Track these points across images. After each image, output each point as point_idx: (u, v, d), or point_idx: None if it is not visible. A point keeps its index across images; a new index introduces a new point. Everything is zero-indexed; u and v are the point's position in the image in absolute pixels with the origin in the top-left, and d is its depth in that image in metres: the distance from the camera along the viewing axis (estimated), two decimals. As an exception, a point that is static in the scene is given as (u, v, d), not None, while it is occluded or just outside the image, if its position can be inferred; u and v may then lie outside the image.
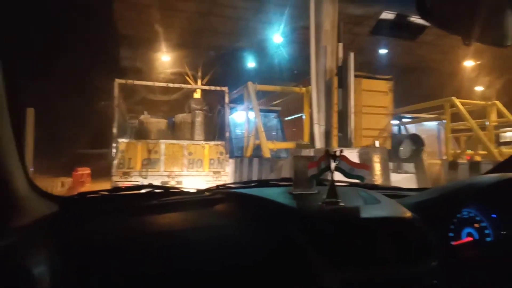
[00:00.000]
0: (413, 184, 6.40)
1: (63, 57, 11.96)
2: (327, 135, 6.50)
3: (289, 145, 10.21)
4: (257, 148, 8.90)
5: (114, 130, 6.43)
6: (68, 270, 0.83)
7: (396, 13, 8.85)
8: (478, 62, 17.87)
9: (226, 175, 7.15)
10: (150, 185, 1.42)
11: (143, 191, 1.40)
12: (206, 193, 1.38)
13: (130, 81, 6.88)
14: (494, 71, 17.36)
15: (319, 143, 6.45)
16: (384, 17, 9.33)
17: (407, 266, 0.87)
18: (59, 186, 11.03)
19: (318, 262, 0.84)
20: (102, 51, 13.48)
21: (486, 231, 1.04)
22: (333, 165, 1.07)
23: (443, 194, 1.08)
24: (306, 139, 8.97)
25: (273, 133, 11.47)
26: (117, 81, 6.68)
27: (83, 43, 12.33)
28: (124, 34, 14.12)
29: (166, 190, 1.42)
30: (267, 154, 8.09)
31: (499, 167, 1.44)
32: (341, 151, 1.07)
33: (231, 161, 8.18)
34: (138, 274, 0.86)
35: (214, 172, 6.98)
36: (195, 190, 1.41)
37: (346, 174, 1.07)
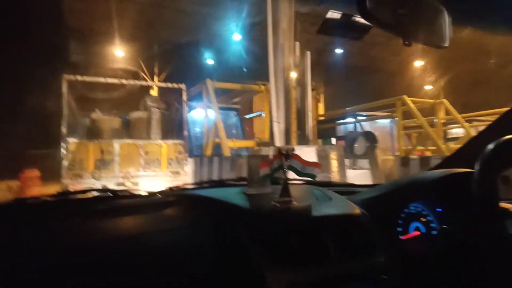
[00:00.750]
0: (367, 179, 6.65)
1: (5, 49, 11.16)
2: (286, 132, 6.58)
3: (249, 143, 10.24)
4: (217, 147, 8.84)
5: (63, 129, 6.10)
6: (11, 283, 0.77)
7: (341, 12, 9.12)
8: (427, 62, 18.92)
9: (186, 175, 7.04)
10: (97, 189, 1.34)
11: (89, 195, 1.32)
12: (158, 196, 1.32)
13: (79, 77, 6.54)
14: (441, 71, 18.48)
15: (278, 141, 6.52)
16: (329, 17, 9.59)
17: (354, 263, 0.88)
18: (4, 190, 10.31)
19: (265, 263, 0.83)
20: (50, 45, 12.71)
21: (432, 225, 1.07)
22: (286, 164, 1.06)
23: (391, 190, 1.11)
24: (266, 137, 9.04)
25: (233, 131, 11.46)
26: (66, 76, 6.33)
27: (29, 36, 11.57)
28: (73, 26, 13.43)
29: (115, 194, 1.35)
30: (227, 152, 8.05)
31: (444, 162, 1.50)
32: (293, 150, 1.07)
33: (191, 160, 8.06)
34: (80, 283, 0.80)
35: (173, 172, 6.83)
36: (146, 193, 1.35)
37: (298, 173, 1.07)
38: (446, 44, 0.92)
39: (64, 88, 6.27)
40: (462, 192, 0.94)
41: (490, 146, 0.88)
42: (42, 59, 11.80)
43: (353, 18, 9.06)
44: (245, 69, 13.88)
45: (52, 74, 7.71)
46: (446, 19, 0.91)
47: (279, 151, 1.07)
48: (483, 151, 0.88)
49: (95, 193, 1.33)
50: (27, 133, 11.77)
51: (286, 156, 1.06)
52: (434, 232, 1.06)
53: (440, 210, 1.07)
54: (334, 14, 9.36)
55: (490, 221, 0.85)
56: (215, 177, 7.52)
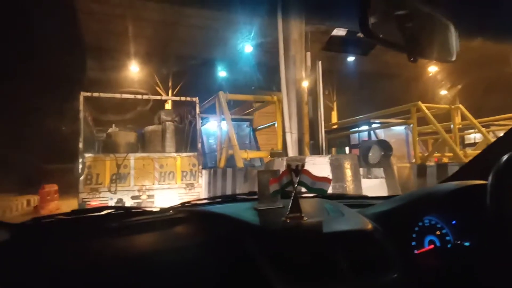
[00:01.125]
0: (383, 189, 6.54)
1: (27, 68, 11.54)
2: (299, 143, 6.56)
3: (262, 154, 10.24)
4: (231, 158, 8.87)
5: (80, 145, 6.22)
6: None
7: (346, 29, 9.08)
8: (441, 68, 18.68)
9: (200, 187, 7.06)
10: (110, 206, 1.37)
11: (103, 212, 1.35)
12: (169, 212, 1.33)
13: (96, 94, 6.69)
14: (456, 76, 18.21)
15: (291, 151, 6.50)
16: (335, 34, 9.57)
17: (366, 281, 0.87)
18: (24, 204, 10.55)
19: (275, 280, 0.82)
20: (68, 63, 13.10)
21: (447, 238, 1.05)
22: (295, 179, 1.06)
23: (405, 203, 1.09)
24: (279, 147, 9.03)
25: (246, 142, 11.49)
26: (83, 93, 6.48)
27: (46, 54, 11.96)
28: (91, 45, 13.82)
29: (127, 211, 1.37)
30: (240, 164, 8.06)
31: (459, 173, 1.47)
32: (303, 165, 1.07)
33: (204, 172, 8.10)
34: None
35: (187, 185, 6.87)
36: (157, 209, 1.37)
37: (308, 188, 1.06)
38: (453, 59, 0.91)
39: (82, 105, 6.41)
40: (477, 204, 0.92)
41: (504, 158, 0.86)
42: (61, 77, 12.16)
43: (358, 34, 9.03)
44: (257, 81, 13.98)
45: (70, 91, 7.91)
46: (453, 34, 0.90)
47: (288, 167, 1.08)
48: (497, 162, 0.86)
49: (109, 211, 1.35)
50: (46, 149, 12.08)
51: (295, 171, 1.06)
52: (450, 245, 1.04)
53: (455, 222, 1.05)
54: (339, 31, 9.36)
55: (504, 233, 0.82)
56: (228, 188, 7.53)
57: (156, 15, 12.81)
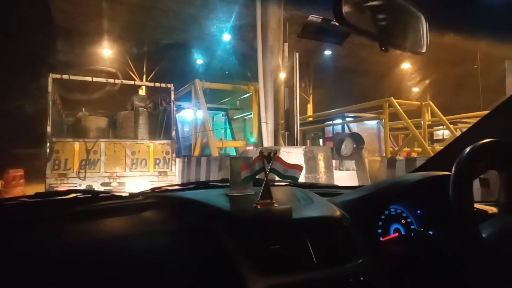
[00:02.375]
0: (354, 180, 6.70)
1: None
2: (275, 133, 6.59)
3: (237, 143, 10.24)
4: (205, 147, 8.81)
5: (48, 128, 5.98)
6: None
7: (321, 17, 9.08)
8: (414, 65, 19.19)
9: (173, 175, 6.98)
10: (76, 190, 1.33)
11: (69, 196, 1.31)
12: (139, 198, 1.31)
13: (66, 76, 6.42)
14: (427, 73, 18.76)
15: (267, 142, 6.52)
16: (310, 21, 9.55)
17: (333, 266, 0.88)
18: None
19: (245, 267, 0.82)
20: (38, 44, 12.52)
21: (412, 227, 1.09)
22: (267, 166, 1.06)
23: (372, 192, 1.12)
24: (254, 138, 9.04)
25: (221, 132, 11.45)
26: (52, 75, 6.21)
27: (17, 35, 11.40)
28: (62, 26, 13.26)
29: (95, 195, 1.33)
30: (215, 153, 8.03)
31: (426, 164, 1.52)
32: (276, 152, 1.07)
33: (178, 160, 8.01)
34: (54, 285, 0.79)
35: (160, 172, 6.77)
36: (127, 194, 1.34)
37: (280, 175, 1.07)
38: (424, 50, 0.93)
39: (50, 87, 6.15)
40: (440, 194, 0.95)
41: (467, 150, 0.89)
42: (29, 57, 11.62)
43: (333, 23, 9.08)
44: (234, 70, 13.88)
45: (39, 72, 7.58)
46: (424, 25, 0.91)
47: (260, 153, 1.07)
48: (460, 154, 0.90)
49: (75, 195, 1.31)
50: (12, 132, 11.56)
51: (267, 158, 1.06)
52: (413, 234, 1.08)
53: (419, 212, 1.09)
54: (314, 19, 9.34)
55: (465, 223, 0.86)
56: (202, 177, 7.49)
57: (133, -2, 12.43)
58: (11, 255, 0.85)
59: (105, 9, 12.51)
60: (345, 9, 0.75)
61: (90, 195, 1.32)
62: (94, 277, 0.82)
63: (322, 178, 4.91)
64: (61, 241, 0.93)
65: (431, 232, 1.05)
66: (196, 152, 8.98)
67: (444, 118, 9.09)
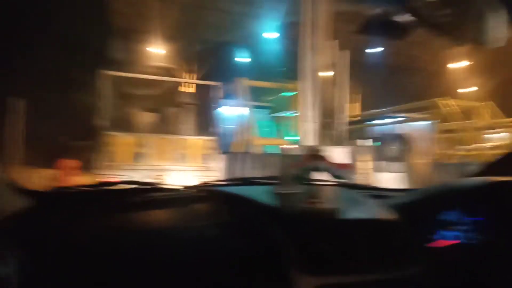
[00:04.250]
0: (401, 183, 6.45)
1: (49, 46, 11.75)
2: (320, 132, 6.51)
3: (281, 141, 10.22)
4: (249, 144, 8.89)
5: (101, 122, 6.34)
6: (40, 271, 0.80)
7: (384, 11, 8.74)
8: (470, 63, 18.04)
9: (217, 171, 7.12)
10: (133, 181, 1.39)
11: (124, 187, 1.37)
12: (191, 190, 1.35)
13: (119, 73, 6.78)
14: (486, 72, 17.54)
15: (312, 141, 6.46)
16: (372, 15, 9.22)
17: (385, 271, 0.86)
18: (46, 178, 10.86)
19: (294, 265, 0.82)
20: (95, 42, 13.28)
21: (470, 234, 1.03)
22: (316, 165, 1.06)
23: (427, 196, 1.07)
24: (299, 136, 8.98)
25: (265, 129, 11.48)
26: (106, 72, 6.58)
27: (69, 33, 12.15)
28: (116, 25, 13.94)
29: (151, 187, 1.39)
30: (259, 150, 8.08)
31: (484, 169, 1.43)
32: (325, 151, 1.06)
33: (223, 156, 8.15)
34: (114, 273, 0.84)
35: (205, 168, 6.93)
36: (180, 187, 1.38)
37: (330, 174, 1.05)
38: (501, 44, 0.86)
39: (105, 84, 6.51)
40: (502, 201, 0.90)
41: None
42: (88, 54, 12.35)
43: (394, 16, 8.73)
44: (281, 68, 13.83)
45: (96, 69, 8.04)
46: (501, 17, 0.84)
47: (310, 152, 1.07)
48: None
49: (130, 186, 1.37)
50: (70, 126, 12.36)
51: (317, 157, 1.05)
52: (472, 242, 1.02)
53: (478, 219, 1.03)
54: (374, 12, 9.05)
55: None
56: (246, 174, 7.56)
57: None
58: (73, 240, 0.89)
59: (157, 9, 12.98)
60: (419, 3, 0.72)
61: (146, 186, 1.39)
62: (149, 264, 0.86)
63: (368, 180, 4.78)
64: (119, 230, 0.97)
65: (490, 241, 0.99)
66: (240, 149, 9.09)
67: (504, 120, 8.49)
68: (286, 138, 10.54)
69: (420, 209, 1.03)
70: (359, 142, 11.41)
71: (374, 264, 0.85)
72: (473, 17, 0.83)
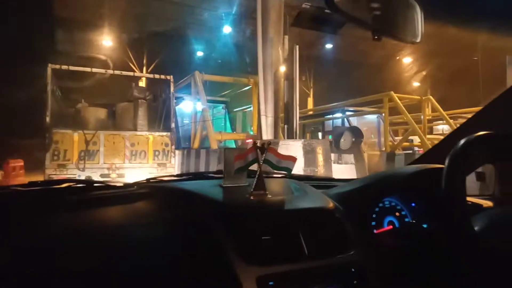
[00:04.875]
0: (352, 174, 6.71)
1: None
2: (275, 126, 6.57)
3: (237, 136, 10.24)
4: (205, 140, 8.81)
5: (48, 119, 5.98)
6: None
7: (316, 6, 8.90)
8: (415, 58, 19.10)
9: (172, 167, 6.98)
10: (70, 179, 1.32)
11: (62, 185, 1.30)
12: (133, 188, 1.31)
13: (65, 66, 6.40)
14: (428, 67, 18.66)
15: (266, 135, 6.51)
16: (304, 9, 9.37)
17: (325, 258, 0.88)
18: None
19: (235, 257, 0.82)
20: (36, 34, 12.45)
21: (406, 219, 1.09)
22: (260, 157, 1.06)
23: (366, 184, 1.12)
24: (254, 131, 9.04)
25: (221, 124, 11.44)
26: (51, 66, 6.19)
27: (15, 25, 11.33)
28: (60, 15, 13.17)
29: (89, 185, 1.33)
30: (214, 145, 8.03)
31: (421, 158, 1.52)
32: (269, 143, 1.06)
33: (178, 152, 8.01)
34: (47, 275, 0.79)
35: (159, 164, 6.77)
36: (121, 184, 1.33)
37: (273, 166, 1.07)
38: (418, 40, 0.92)
39: (49, 78, 6.13)
40: (434, 187, 0.95)
41: (460, 142, 0.89)
42: (28, 47, 11.56)
43: (327, 11, 8.93)
44: (234, 62, 13.82)
45: (38, 62, 7.55)
46: (419, 14, 0.90)
47: (254, 144, 1.07)
48: (454, 146, 0.89)
49: (69, 184, 1.31)
50: (12, 123, 11.56)
51: (261, 149, 1.06)
52: (407, 227, 1.08)
53: (413, 204, 1.08)
54: (307, 7, 9.16)
55: (456, 216, 0.86)
56: (202, 169, 7.50)
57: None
58: (2, 244, 0.85)
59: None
60: None
61: (84, 185, 1.32)
62: (84, 267, 0.82)
63: (320, 171, 4.91)
64: (52, 230, 0.93)
65: (425, 225, 1.05)
66: (196, 145, 8.99)
67: (444, 112, 9.08)
68: (241, 132, 10.57)
69: (359, 197, 1.07)
70: (312, 135, 11.72)
71: (315, 251, 0.87)
72: (393, 13, 0.87)
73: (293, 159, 1.06)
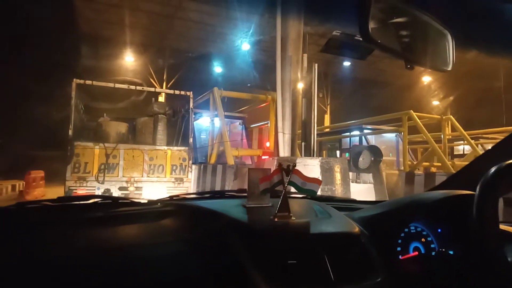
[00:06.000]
0: (371, 194, 6.59)
1: (20, 53, 11.38)
2: (292, 143, 6.57)
3: (254, 152, 10.25)
4: (222, 155, 8.85)
5: (70, 132, 6.14)
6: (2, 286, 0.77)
7: (346, 33, 9.07)
8: (435, 78, 18.89)
9: (189, 182, 7.03)
10: (97, 195, 1.35)
11: (89, 201, 1.33)
12: (157, 205, 1.32)
13: (89, 82, 6.60)
14: (449, 87, 18.41)
15: (283, 151, 6.50)
16: (334, 36, 9.56)
17: (351, 284, 0.87)
18: (9, 188, 10.41)
19: (259, 279, 0.82)
20: (62, 50, 12.95)
21: (432, 245, 1.06)
22: (286, 179, 1.06)
23: (392, 209, 1.10)
24: (271, 147, 9.04)
25: (237, 140, 11.49)
26: (76, 81, 6.40)
27: (40, 41, 11.81)
28: (85, 33, 13.67)
29: (114, 201, 1.35)
30: (231, 161, 8.06)
31: (447, 182, 1.49)
32: (294, 165, 1.07)
33: (194, 167, 8.06)
34: None
35: (176, 179, 6.83)
36: (145, 201, 1.35)
37: (298, 188, 1.07)
38: (449, 68, 0.92)
39: (74, 92, 6.33)
40: (463, 214, 0.93)
41: (492, 170, 0.87)
42: (54, 63, 12.00)
43: (357, 38, 9.03)
44: (252, 79, 13.97)
45: (63, 77, 7.82)
46: (450, 43, 0.90)
47: (279, 166, 1.08)
48: (485, 174, 0.87)
49: (95, 200, 1.33)
50: (36, 135, 11.93)
51: (286, 171, 1.06)
52: (434, 253, 1.05)
53: (440, 230, 1.06)
54: (338, 34, 9.37)
55: (489, 245, 0.84)
56: (218, 185, 7.51)
57: (153, 6, 12.72)
58: (31, 258, 0.87)
59: (127, 17, 12.85)
60: (371, 25, 0.75)
61: (110, 201, 1.35)
62: (109, 283, 0.84)
63: (338, 191, 4.85)
64: (78, 246, 0.95)
65: (451, 252, 1.03)
66: (212, 160, 9.03)
67: (465, 132, 8.89)
68: (258, 149, 10.58)
69: (385, 221, 1.05)
70: (328, 153, 11.63)
71: (341, 277, 0.86)
72: (425, 42, 0.88)
73: (318, 182, 1.06)
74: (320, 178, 1.11)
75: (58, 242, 0.96)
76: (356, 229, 0.99)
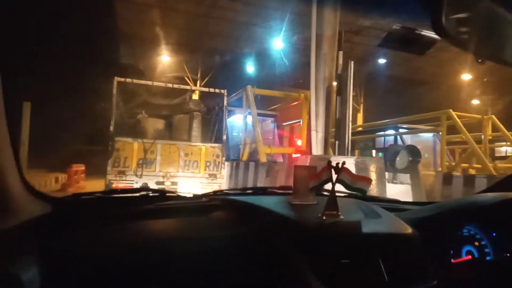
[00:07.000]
0: (408, 195, 6.40)
1: (61, 52, 11.94)
2: (325, 142, 6.49)
3: (285, 150, 10.23)
4: (254, 152, 8.91)
5: (111, 128, 6.38)
6: (59, 275, 0.81)
7: (406, 27, 8.79)
8: (474, 76, 18.00)
9: (222, 178, 7.12)
10: (146, 188, 1.41)
11: (138, 194, 1.39)
12: (203, 199, 1.36)
13: (129, 80, 6.84)
14: (489, 86, 17.49)
15: (316, 150, 6.44)
16: (393, 30, 9.29)
17: (404, 286, 0.85)
18: (53, 181, 10.94)
19: (311, 279, 0.82)
20: (101, 49, 13.48)
21: (486, 250, 1.03)
22: (334, 176, 1.06)
23: (445, 211, 1.07)
24: (302, 145, 8.99)
25: (270, 138, 11.51)
26: (116, 79, 6.65)
27: (82, 41, 12.35)
28: (124, 32, 14.13)
29: (162, 194, 1.40)
30: (263, 158, 8.08)
31: (498, 184, 1.43)
32: (344, 163, 1.06)
33: (227, 164, 8.16)
34: (129, 281, 0.84)
35: (210, 175, 6.94)
36: (191, 195, 1.39)
37: (347, 187, 1.06)
38: None
39: (115, 89, 6.58)
40: None
41: None
42: (96, 62, 12.54)
43: (417, 32, 8.74)
44: (286, 77, 13.90)
45: (105, 75, 8.14)
46: None
47: (329, 163, 1.07)
48: None
49: (144, 192, 1.39)
50: (78, 130, 12.51)
51: (336, 169, 1.05)
52: (489, 258, 1.02)
53: (495, 234, 1.03)
54: (398, 28, 9.10)
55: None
56: (250, 182, 7.55)
57: (188, 6, 12.94)
58: (87, 247, 0.91)
59: (163, 17, 13.16)
60: (444, 20, 0.74)
61: (157, 194, 1.40)
62: (164, 273, 0.87)
63: (373, 191, 4.74)
64: (133, 237, 0.98)
65: (506, 257, 0.99)
66: (245, 157, 9.11)
67: (508, 133, 8.44)
68: (291, 147, 10.55)
69: (438, 224, 1.03)
70: (361, 152, 11.39)
71: (395, 278, 0.85)
72: (497, 35, 0.84)
73: (368, 181, 1.05)
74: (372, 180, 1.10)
75: (114, 233, 1.00)
76: (410, 230, 0.97)
